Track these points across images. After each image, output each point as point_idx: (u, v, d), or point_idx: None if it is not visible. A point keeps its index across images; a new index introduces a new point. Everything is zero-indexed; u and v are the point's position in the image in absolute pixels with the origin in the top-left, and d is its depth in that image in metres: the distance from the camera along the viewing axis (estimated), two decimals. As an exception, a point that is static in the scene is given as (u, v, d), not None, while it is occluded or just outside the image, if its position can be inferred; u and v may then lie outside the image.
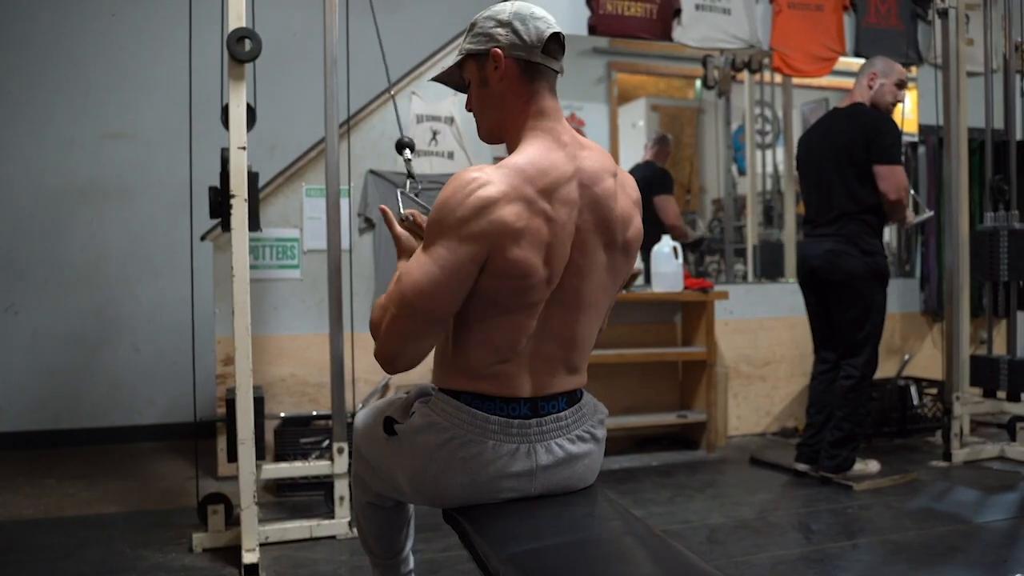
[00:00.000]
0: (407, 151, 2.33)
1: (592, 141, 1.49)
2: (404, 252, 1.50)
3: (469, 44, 1.46)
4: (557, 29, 1.43)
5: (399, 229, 1.53)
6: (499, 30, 1.42)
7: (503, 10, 1.43)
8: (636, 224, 1.48)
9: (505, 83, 1.43)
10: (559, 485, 1.48)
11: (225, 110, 2.50)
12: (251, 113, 2.52)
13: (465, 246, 1.31)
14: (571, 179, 1.38)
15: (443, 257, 1.31)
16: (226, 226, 2.47)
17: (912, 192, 3.44)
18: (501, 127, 1.48)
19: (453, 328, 1.43)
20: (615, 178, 1.45)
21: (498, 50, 1.41)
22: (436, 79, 1.56)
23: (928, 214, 3.69)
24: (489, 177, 1.32)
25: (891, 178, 3.18)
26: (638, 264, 3.97)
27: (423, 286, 1.32)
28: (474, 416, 1.41)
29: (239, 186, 2.43)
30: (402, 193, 1.84)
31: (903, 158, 3.38)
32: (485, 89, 1.46)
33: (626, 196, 1.46)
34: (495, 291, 1.35)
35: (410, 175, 2.13)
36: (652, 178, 4.90)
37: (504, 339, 1.40)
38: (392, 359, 1.38)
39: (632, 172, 5.15)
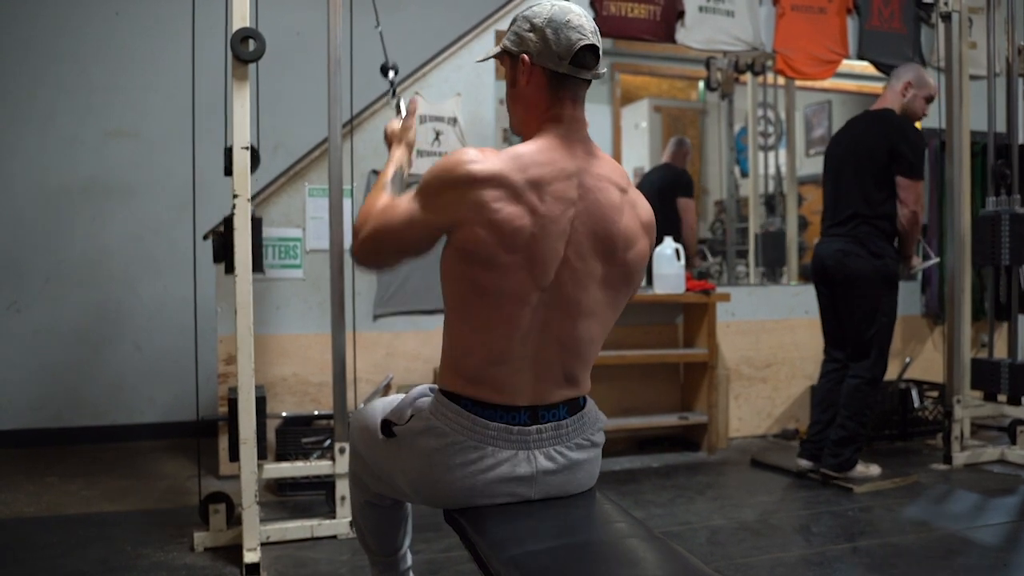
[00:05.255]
0: (391, 72, 2.41)
1: (608, 156, 1.49)
2: (400, 142, 1.69)
3: (506, 41, 1.46)
4: (590, 40, 1.39)
5: (408, 123, 1.70)
6: (531, 35, 1.40)
7: (539, 14, 1.41)
8: (641, 247, 1.46)
9: (531, 88, 1.44)
10: (559, 491, 1.48)
11: (228, 154, 2.50)
12: (255, 155, 2.52)
13: (431, 213, 1.38)
14: (569, 177, 1.38)
15: (415, 212, 1.40)
16: (229, 269, 2.47)
17: (921, 239, 3.48)
18: (522, 125, 1.50)
19: (449, 317, 1.44)
20: (624, 194, 1.44)
21: (527, 57, 1.41)
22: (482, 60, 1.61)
23: (934, 260, 3.73)
24: (483, 158, 1.35)
25: (912, 190, 3.22)
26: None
27: (392, 226, 1.42)
28: (474, 422, 1.40)
29: (242, 186, 2.44)
30: (398, 103, 1.90)
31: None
32: (514, 89, 1.47)
33: (634, 215, 1.45)
34: (475, 275, 1.36)
35: (395, 96, 2.24)
36: (674, 180, 4.90)
37: (495, 333, 1.39)
38: (362, 262, 1.50)
39: (650, 174, 5.17)
